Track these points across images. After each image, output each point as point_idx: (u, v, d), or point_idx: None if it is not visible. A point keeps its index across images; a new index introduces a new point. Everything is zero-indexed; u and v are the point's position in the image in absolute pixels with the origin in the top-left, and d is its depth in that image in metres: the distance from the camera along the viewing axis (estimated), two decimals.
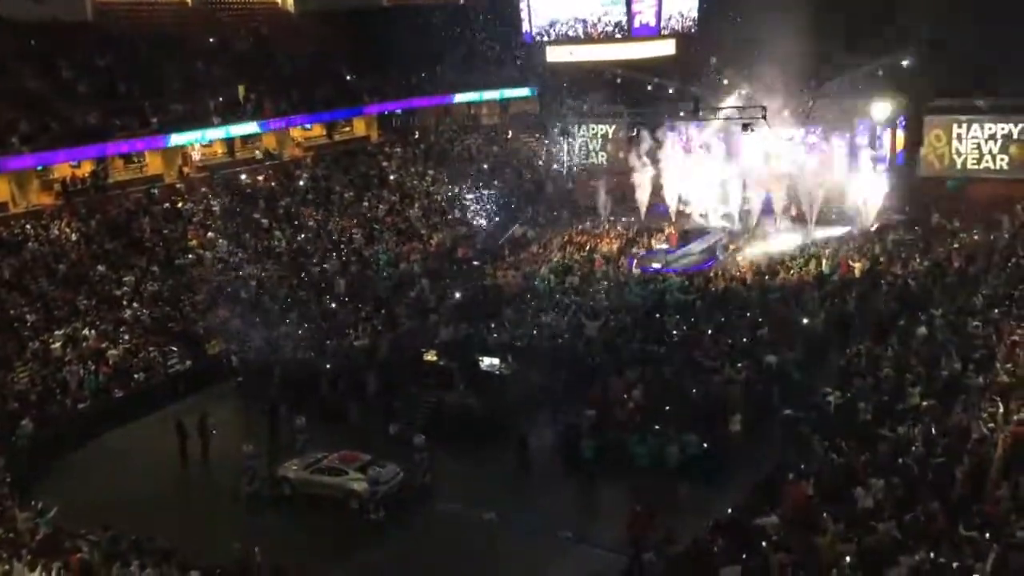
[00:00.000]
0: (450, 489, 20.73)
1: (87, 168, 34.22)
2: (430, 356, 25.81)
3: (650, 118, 39.38)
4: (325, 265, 34.21)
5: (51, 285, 28.94)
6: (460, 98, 47.68)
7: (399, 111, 46.16)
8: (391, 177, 42.33)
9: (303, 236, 35.99)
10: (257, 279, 32.38)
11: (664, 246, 34.96)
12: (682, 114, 37.89)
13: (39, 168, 32.37)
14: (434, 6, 49.59)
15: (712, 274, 31.42)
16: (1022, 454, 14.69)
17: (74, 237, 31.50)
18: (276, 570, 16.11)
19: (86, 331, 27.55)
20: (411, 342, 27.14)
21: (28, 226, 31.00)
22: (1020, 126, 34.39)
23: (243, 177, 38.40)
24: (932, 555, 12.04)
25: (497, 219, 40.09)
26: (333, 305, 31.36)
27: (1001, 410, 16.60)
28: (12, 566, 15.87)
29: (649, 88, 39.89)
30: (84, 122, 33.14)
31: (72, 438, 23.79)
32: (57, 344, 26.65)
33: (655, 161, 37.81)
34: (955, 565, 11.42)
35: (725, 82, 37.09)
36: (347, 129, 45.20)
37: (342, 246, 36.05)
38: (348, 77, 44.35)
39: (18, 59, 33.62)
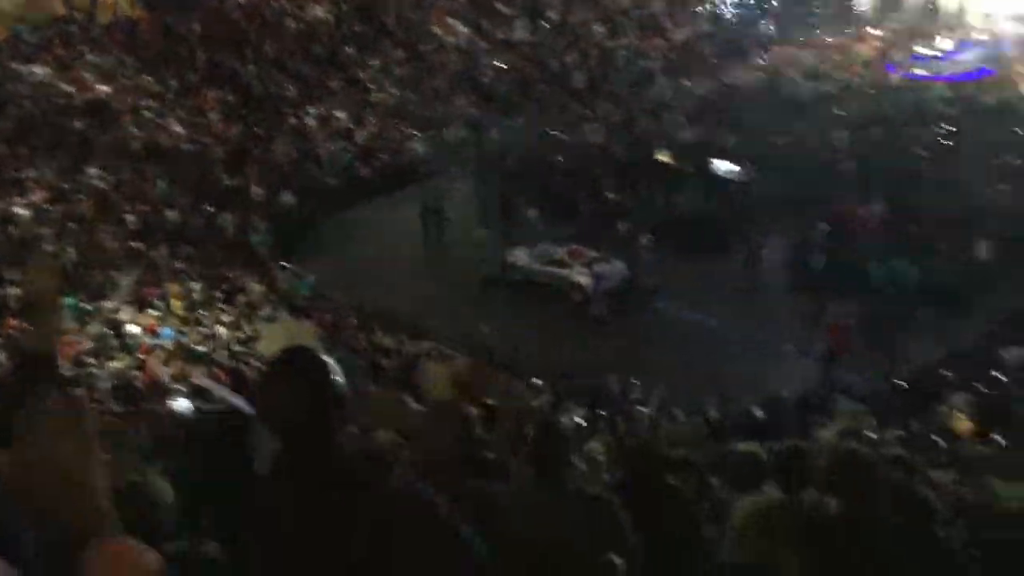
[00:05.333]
0: (675, 292, 20.74)
1: None
2: (664, 156, 25.31)
3: None
4: (565, 59, 33.69)
5: (306, 64, 30.53)
6: None
7: None
8: None
9: (546, 28, 35.40)
10: (495, 69, 32.53)
11: (935, 50, 31.47)
12: None
13: None
14: None
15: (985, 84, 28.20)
16: None
17: (327, 19, 32.72)
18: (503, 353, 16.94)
19: (337, 112, 29.12)
20: (646, 140, 26.66)
21: (287, 5, 32.46)
22: None
23: None
24: None
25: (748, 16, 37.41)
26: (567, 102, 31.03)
27: None
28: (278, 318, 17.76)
29: None
30: None
31: (324, 211, 25.65)
32: (311, 121, 28.39)
33: None
34: None
35: None
36: None
37: (581, 41, 35.20)
38: None
39: None
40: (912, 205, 21.25)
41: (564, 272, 21.07)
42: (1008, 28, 31.47)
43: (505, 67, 32.77)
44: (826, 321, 18.00)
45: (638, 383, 16.58)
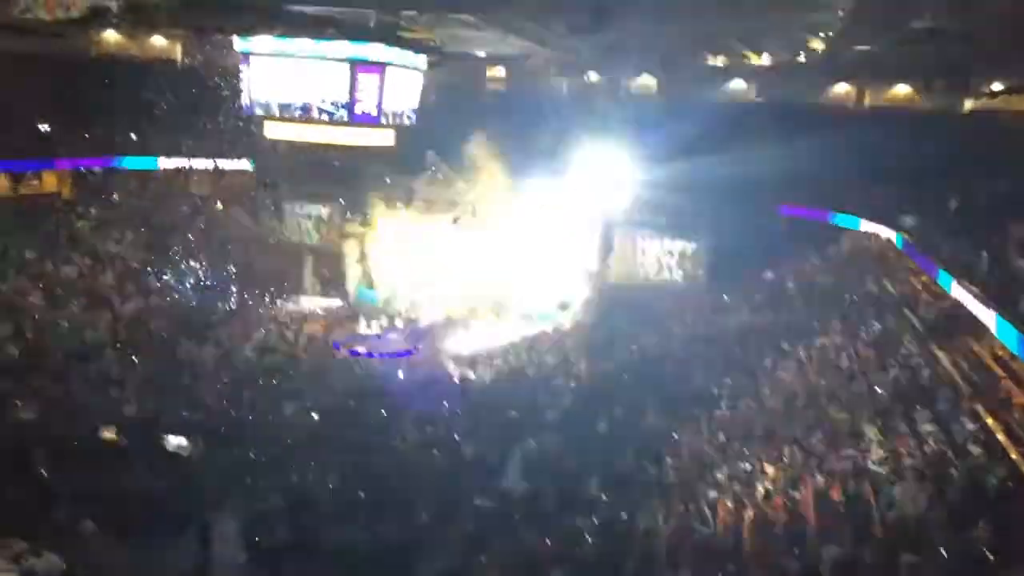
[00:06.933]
0: None
1: None
2: (108, 434, 23.87)
3: (362, 203, 40.20)
4: None
5: None
6: (168, 163, 45.54)
7: (98, 169, 43.21)
8: (83, 239, 39.28)
9: None
10: None
11: (371, 331, 35.20)
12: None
13: None
14: (149, 65, 47.48)
15: (413, 362, 32.04)
16: (684, 549, 16.04)
17: None
18: None
19: None
20: (88, 418, 24.92)
21: None
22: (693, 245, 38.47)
23: None
24: None
25: (200, 291, 38.35)
26: None
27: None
28: None
29: (366, 173, 40.69)
30: None
31: None
32: None
33: (367, 246, 38.49)
34: None
35: (440, 176, 38.81)
36: (35, 183, 41.59)
37: (17, 309, 32.65)
38: (41, 127, 41.10)
39: None
40: (361, 476, 22.51)
41: None
42: (428, 313, 36.51)
43: None
44: None
45: None
